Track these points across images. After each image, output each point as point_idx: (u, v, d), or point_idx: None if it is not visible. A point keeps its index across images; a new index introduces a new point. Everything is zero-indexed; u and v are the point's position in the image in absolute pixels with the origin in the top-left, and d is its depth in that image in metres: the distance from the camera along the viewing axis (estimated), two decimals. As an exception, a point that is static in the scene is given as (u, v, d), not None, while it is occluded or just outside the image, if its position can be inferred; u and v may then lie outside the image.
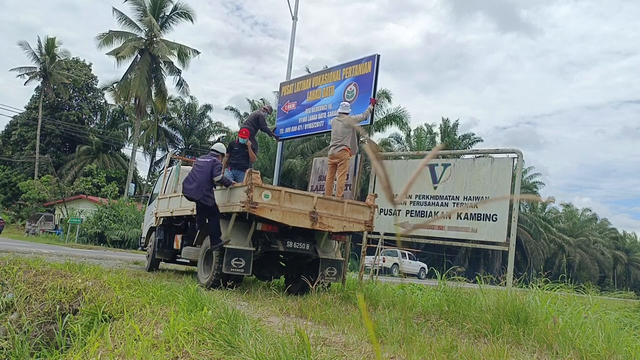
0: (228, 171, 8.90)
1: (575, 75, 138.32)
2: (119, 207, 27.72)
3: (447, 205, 7.52)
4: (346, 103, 8.32)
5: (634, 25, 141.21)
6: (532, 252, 44.97)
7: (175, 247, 9.42)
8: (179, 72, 35.76)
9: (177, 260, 10.14)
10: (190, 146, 44.54)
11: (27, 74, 39.71)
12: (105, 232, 26.14)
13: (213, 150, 8.05)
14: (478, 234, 7.17)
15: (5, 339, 5.90)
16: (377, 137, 33.85)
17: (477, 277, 6.85)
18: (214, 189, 7.40)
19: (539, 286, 6.26)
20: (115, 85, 36.21)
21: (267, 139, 29.55)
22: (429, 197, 7.72)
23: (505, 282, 6.38)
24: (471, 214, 7.21)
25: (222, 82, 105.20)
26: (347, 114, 8.07)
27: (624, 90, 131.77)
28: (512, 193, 7.24)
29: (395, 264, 26.16)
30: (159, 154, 45.65)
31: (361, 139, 8.70)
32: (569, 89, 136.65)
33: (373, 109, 8.37)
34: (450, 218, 7.32)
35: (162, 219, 9.69)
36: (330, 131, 8.36)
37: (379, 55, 8.41)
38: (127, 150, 44.74)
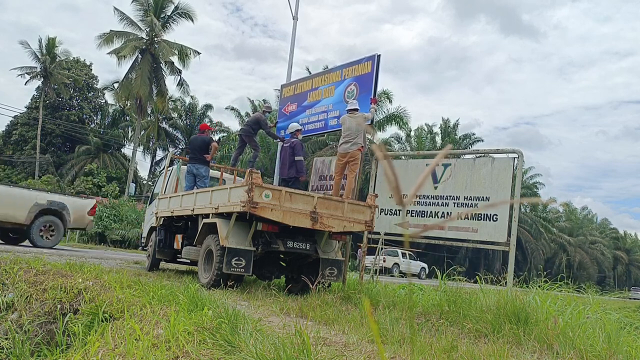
0: (189, 166, 9.60)
1: (574, 75, 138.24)
2: (120, 206, 27.73)
3: (448, 205, 7.52)
4: (353, 100, 8.35)
5: (632, 26, 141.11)
6: (532, 252, 44.97)
7: (175, 247, 9.42)
8: (179, 72, 35.83)
9: (178, 260, 10.14)
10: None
11: (27, 73, 39.72)
12: (105, 232, 26.13)
13: (291, 132, 9.51)
14: (478, 234, 7.17)
15: (6, 339, 5.90)
16: (377, 136, 33.82)
17: (477, 277, 6.85)
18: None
19: (539, 286, 6.26)
20: (116, 85, 36.26)
21: (267, 139, 29.54)
22: (429, 197, 7.72)
23: (506, 282, 6.38)
24: (472, 213, 7.20)
25: (222, 83, 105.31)
26: (357, 109, 8.08)
27: (623, 91, 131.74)
28: (513, 193, 7.23)
29: (395, 263, 26.17)
30: (159, 154, 45.67)
31: (370, 139, 8.83)
32: (569, 89, 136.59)
33: (375, 109, 8.40)
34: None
35: (163, 218, 9.69)
36: (330, 131, 8.38)
37: (379, 55, 8.39)
38: (127, 150, 44.82)
